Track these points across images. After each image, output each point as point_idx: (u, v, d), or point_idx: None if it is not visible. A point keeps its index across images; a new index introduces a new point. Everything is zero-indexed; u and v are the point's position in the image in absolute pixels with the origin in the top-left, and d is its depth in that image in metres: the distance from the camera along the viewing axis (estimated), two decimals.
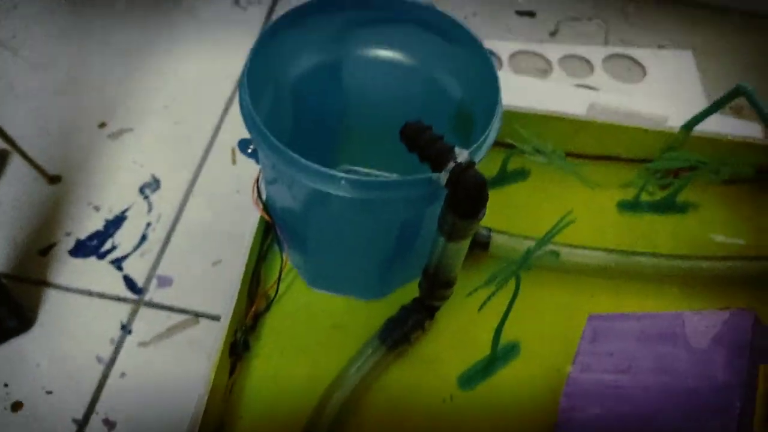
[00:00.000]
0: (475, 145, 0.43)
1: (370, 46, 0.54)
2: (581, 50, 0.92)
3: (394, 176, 0.59)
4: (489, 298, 0.47)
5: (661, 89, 0.87)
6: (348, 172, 0.62)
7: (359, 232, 0.49)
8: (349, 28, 0.53)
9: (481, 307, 0.47)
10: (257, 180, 0.54)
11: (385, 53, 0.54)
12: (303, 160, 0.42)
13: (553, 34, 0.94)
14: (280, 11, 0.93)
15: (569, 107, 0.80)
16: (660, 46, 0.93)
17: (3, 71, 0.82)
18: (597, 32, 0.95)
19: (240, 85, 0.46)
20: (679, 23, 0.97)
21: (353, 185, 0.42)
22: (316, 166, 0.42)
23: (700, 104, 0.84)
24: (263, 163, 0.49)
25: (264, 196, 0.54)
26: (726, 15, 0.99)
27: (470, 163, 0.41)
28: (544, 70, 0.89)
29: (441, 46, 0.52)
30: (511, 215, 0.62)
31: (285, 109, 0.54)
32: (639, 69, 0.90)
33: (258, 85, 0.48)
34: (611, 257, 0.58)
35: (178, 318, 0.65)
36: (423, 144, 0.42)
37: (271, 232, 0.57)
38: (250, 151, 0.52)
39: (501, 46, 0.91)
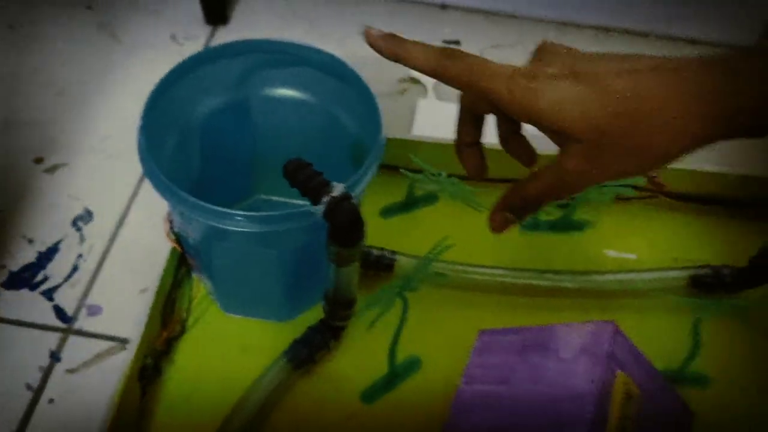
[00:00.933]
0: (351, 180, 0.47)
1: (274, 86, 0.58)
2: None
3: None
4: (377, 317, 0.51)
5: None
6: (264, 201, 0.66)
7: (259, 261, 0.53)
8: (253, 70, 0.57)
9: (370, 326, 0.51)
10: (168, 213, 0.57)
11: (287, 92, 0.58)
12: (192, 199, 0.46)
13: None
14: (215, 44, 0.97)
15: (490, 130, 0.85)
16: None
17: None
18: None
19: (138, 129, 0.49)
20: (595, 48, 1.02)
21: (241, 219, 0.46)
22: (205, 204, 0.46)
23: None
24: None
25: (176, 228, 0.57)
26: (643, 39, 1.04)
27: (345, 196, 0.45)
28: None
29: (335, 85, 0.56)
30: (419, 238, 0.65)
31: (192, 148, 0.57)
32: None
33: (160, 128, 0.52)
34: (508, 274, 0.62)
35: (105, 345, 0.67)
36: (302, 180, 0.46)
37: (184, 262, 0.61)
38: None
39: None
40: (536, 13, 1.07)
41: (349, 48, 1.00)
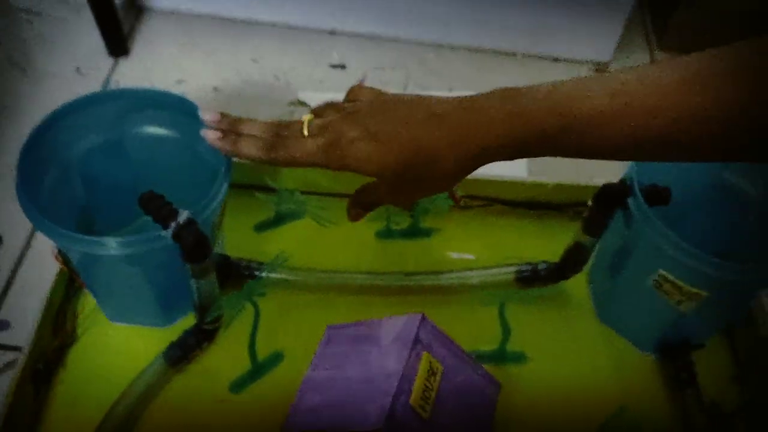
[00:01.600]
0: (198, 206, 0.57)
1: (145, 125, 0.68)
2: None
3: None
4: (230, 320, 0.61)
5: None
6: (148, 222, 0.75)
7: (131, 277, 0.62)
8: (125, 113, 0.66)
9: (225, 327, 0.61)
10: None
11: (155, 130, 0.68)
12: (62, 231, 0.55)
13: (361, 82, 1.09)
14: (119, 75, 1.05)
15: None
16: (450, 89, 1.09)
17: None
18: (400, 79, 1.11)
19: (16, 169, 0.58)
20: (468, 67, 1.14)
21: (101, 244, 0.55)
22: (72, 234, 0.55)
23: None
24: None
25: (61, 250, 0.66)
26: (510, 58, 1.16)
27: (190, 221, 0.55)
28: None
29: (194, 123, 0.65)
30: (287, 249, 0.75)
31: (73, 183, 0.66)
32: None
33: (38, 166, 0.60)
34: (359, 276, 0.73)
35: (12, 355, 0.76)
36: (153, 209, 0.55)
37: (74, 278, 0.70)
38: None
39: (312, 97, 1.06)
40: (416, 37, 1.18)
41: (245, 74, 1.10)
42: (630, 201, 0.62)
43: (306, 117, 0.54)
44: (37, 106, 1.00)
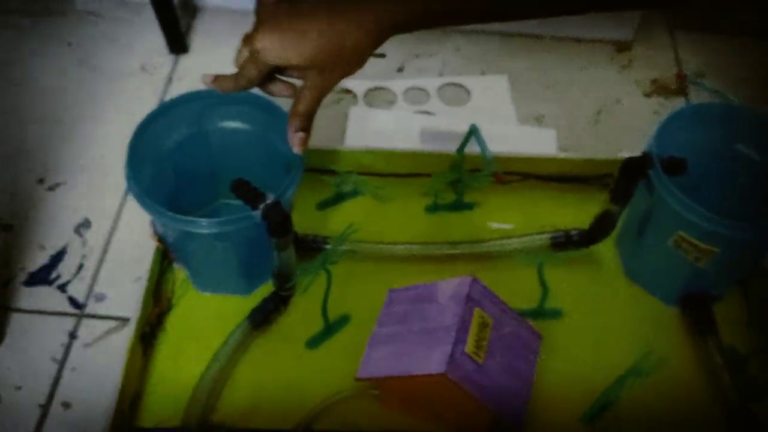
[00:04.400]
0: (279, 190, 0.67)
1: (225, 120, 0.78)
2: (421, 82, 1.16)
3: None
4: (308, 285, 0.71)
5: (481, 110, 1.12)
6: (225, 204, 0.86)
7: (221, 252, 0.73)
8: (208, 109, 0.77)
9: (303, 291, 0.72)
10: (151, 220, 0.77)
11: (233, 124, 0.78)
12: (168, 213, 0.65)
13: (399, 70, 1.18)
14: (180, 71, 1.15)
15: (408, 131, 1.04)
16: (482, 73, 1.18)
17: None
18: (435, 66, 1.20)
19: (125, 163, 0.69)
20: (499, 51, 1.22)
21: (203, 225, 0.65)
22: (176, 216, 0.65)
23: (511, 119, 1.09)
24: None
25: (160, 229, 0.77)
26: (539, 41, 1.24)
27: (275, 203, 0.65)
28: (391, 101, 1.13)
29: (267, 116, 0.75)
30: (345, 224, 0.85)
31: (167, 170, 0.77)
32: (465, 94, 1.14)
33: (139, 159, 0.71)
34: (414, 246, 0.83)
35: (112, 324, 0.87)
36: (244, 193, 0.66)
37: (166, 254, 0.81)
38: None
39: (357, 85, 1.15)
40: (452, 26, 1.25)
41: None
42: (651, 172, 0.71)
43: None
44: (112, 104, 1.10)
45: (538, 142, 1.03)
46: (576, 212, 0.84)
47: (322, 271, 0.71)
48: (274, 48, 0.56)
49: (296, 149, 0.63)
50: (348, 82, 1.18)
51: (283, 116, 0.67)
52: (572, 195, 0.89)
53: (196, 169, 0.80)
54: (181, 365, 0.75)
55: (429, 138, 1.05)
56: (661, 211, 0.72)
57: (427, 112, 1.11)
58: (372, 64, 1.20)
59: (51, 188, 1.00)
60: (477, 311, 0.67)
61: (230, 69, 0.63)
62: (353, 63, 0.58)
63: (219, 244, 0.71)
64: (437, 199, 0.87)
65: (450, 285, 0.70)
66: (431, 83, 1.15)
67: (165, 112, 0.74)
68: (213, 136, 0.78)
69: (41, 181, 1.00)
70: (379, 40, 0.57)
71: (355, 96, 1.13)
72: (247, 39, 0.59)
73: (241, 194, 0.66)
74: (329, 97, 1.16)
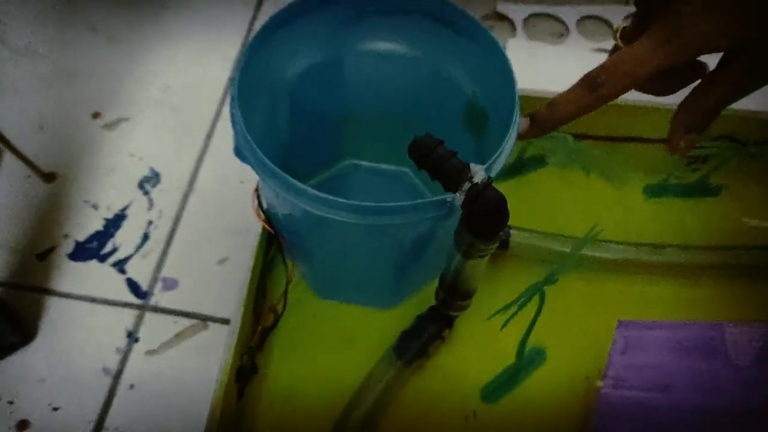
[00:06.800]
0: (491, 160, 0.39)
1: (372, 40, 0.50)
2: (600, 10, 0.86)
3: (405, 169, 0.56)
4: (512, 317, 0.44)
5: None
6: (353, 167, 0.59)
7: (367, 249, 0.46)
8: (349, 21, 0.49)
9: (503, 326, 0.44)
10: (257, 188, 0.50)
11: (387, 46, 0.50)
12: (300, 186, 0.38)
13: None
14: None
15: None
16: None
17: None
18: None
19: (231, 99, 0.41)
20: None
21: (356, 211, 0.38)
22: (314, 192, 0.38)
23: None
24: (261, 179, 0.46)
25: (265, 205, 0.50)
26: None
27: (487, 182, 0.37)
28: (561, 33, 0.84)
29: (448, 38, 0.47)
30: (529, 207, 0.58)
31: (282, 113, 0.50)
32: None
33: (251, 95, 0.44)
34: (640, 251, 0.54)
35: (185, 323, 0.62)
36: (434, 162, 0.38)
37: (274, 241, 0.54)
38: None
39: (514, 10, 0.86)
40: None
41: None
42: None
43: (618, 26, 0.42)
44: (183, 21, 0.83)
45: None
46: None
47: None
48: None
49: (677, 150, 0.39)
50: (502, 6, 0.88)
51: (478, 38, 0.40)
52: None
53: (318, 113, 0.53)
54: (294, 410, 0.49)
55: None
56: None
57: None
58: None
59: (109, 126, 0.74)
60: None
61: None
62: None
63: (366, 238, 0.44)
64: (669, 178, 0.58)
65: (749, 334, 0.43)
66: (615, 12, 0.85)
67: (293, 18, 0.46)
68: (351, 63, 0.51)
69: (97, 115, 0.75)
70: None
71: (512, 24, 0.83)
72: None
73: (429, 163, 0.38)
74: None
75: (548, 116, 0.41)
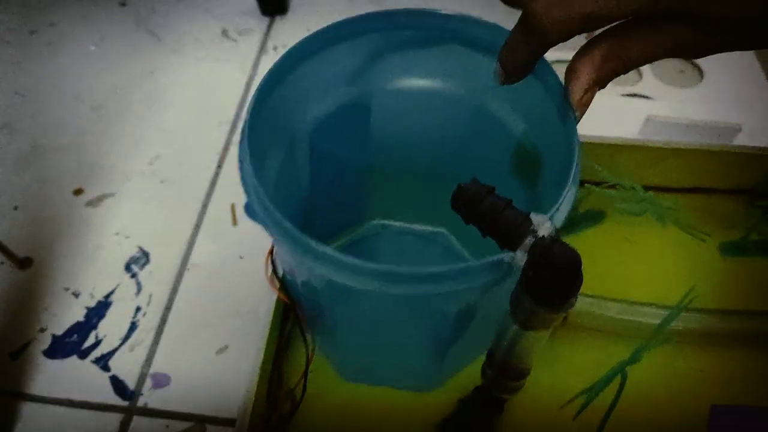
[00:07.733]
0: (553, 209, 0.31)
1: (403, 75, 0.43)
2: None
3: (441, 230, 0.48)
4: (587, 404, 0.34)
5: (722, 92, 0.75)
6: (381, 227, 0.50)
7: (401, 324, 0.37)
8: (376, 55, 0.41)
9: (577, 415, 0.35)
10: (271, 252, 0.41)
11: (421, 82, 0.42)
12: (321, 248, 0.30)
13: None
14: (276, 39, 0.81)
15: (622, 123, 0.69)
16: None
17: None
18: None
19: (240, 147, 0.33)
20: None
21: (389, 278, 0.30)
22: (337, 255, 0.30)
23: None
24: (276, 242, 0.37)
25: (280, 272, 0.42)
26: None
27: (555, 236, 0.29)
28: None
29: (491, 67, 0.40)
30: (588, 268, 0.49)
31: (300, 163, 0.42)
32: (694, 70, 0.77)
33: (263, 143, 0.36)
34: (724, 321, 0.45)
35: (179, 426, 0.52)
36: (485, 213, 0.30)
37: (291, 314, 0.45)
38: None
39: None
40: None
41: None
42: None
43: None
44: (178, 82, 0.77)
45: None
46: None
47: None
48: None
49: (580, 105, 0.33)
50: None
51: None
52: None
53: (345, 163, 0.45)
54: None
55: (655, 131, 0.68)
56: None
57: (641, 96, 0.74)
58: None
59: (92, 203, 0.66)
60: None
61: None
62: None
63: (409, 312, 0.35)
64: (750, 234, 0.50)
65: None
66: None
67: (312, 54, 0.38)
68: (378, 105, 0.43)
69: (79, 192, 0.67)
70: None
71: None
72: None
73: (478, 215, 0.30)
74: None
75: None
